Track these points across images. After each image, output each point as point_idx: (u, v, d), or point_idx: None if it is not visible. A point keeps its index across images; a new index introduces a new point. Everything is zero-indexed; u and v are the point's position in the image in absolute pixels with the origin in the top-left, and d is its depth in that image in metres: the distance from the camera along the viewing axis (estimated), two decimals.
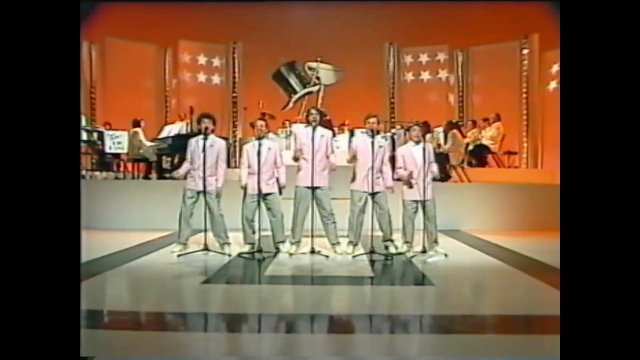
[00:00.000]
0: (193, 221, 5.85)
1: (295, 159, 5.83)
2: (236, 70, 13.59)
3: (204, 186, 5.69)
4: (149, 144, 9.71)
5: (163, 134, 10.12)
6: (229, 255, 5.67)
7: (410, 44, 13.75)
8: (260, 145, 5.72)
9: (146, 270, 5.23)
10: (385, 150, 5.99)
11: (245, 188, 5.86)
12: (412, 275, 5.17)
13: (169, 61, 13.50)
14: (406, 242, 6.01)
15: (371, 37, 13.34)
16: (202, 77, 13.53)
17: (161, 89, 13.48)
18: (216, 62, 13.69)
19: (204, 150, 5.67)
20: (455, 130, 9.09)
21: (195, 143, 5.84)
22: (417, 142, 5.89)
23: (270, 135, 10.67)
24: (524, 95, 12.43)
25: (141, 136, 9.73)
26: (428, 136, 9.76)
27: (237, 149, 11.45)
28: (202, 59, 13.55)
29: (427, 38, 13.43)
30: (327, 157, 5.88)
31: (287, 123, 11.30)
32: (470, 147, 10.33)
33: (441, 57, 13.67)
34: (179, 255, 5.58)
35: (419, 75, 13.83)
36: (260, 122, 5.94)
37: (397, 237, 6.07)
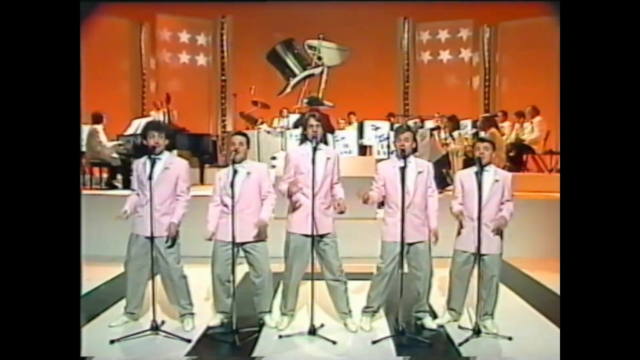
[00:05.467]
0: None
1: (289, 194, 3.94)
2: (225, 49, 12.44)
3: (153, 230, 3.91)
4: (110, 144, 7.94)
5: (131, 130, 8.44)
6: (188, 340, 3.82)
7: (428, 19, 12.41)
8: (235, 172, 3.85)
9: None
10: (429, 175, 4.10)
11: (213, 235, 4.03)
12: None
13: (145, 39, 12.06)
14: (451, 309, 4.18)
15: (382, 10, 11.94)
16: (184, 58, 12.27)
17: (137, 71, 12.06)
18: (201, 39, 12.42)
19: (150, 177, 3.86)
20: (494, 129, 7.23)
21: (142, 167, 4.03)
22: (484, 166, 3.91)
23: (263, 133, 8.92)
24: None
25: (101, 136, 7.93)
26: (456, 134, 8.08)
27: (226, 145, 10.01)
28: (184, 36, 12.26)
29: (448, 11, 11.87)
30: (332, 187, 4.04)
31: (284, 112, 9.77)
32: (512, 151, 8.42)
33: (464, 33, 12.29)
34: (112, 342, 3.77)
35: (438, 54, 12.51)
36: (238, 138, 4.05)
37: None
